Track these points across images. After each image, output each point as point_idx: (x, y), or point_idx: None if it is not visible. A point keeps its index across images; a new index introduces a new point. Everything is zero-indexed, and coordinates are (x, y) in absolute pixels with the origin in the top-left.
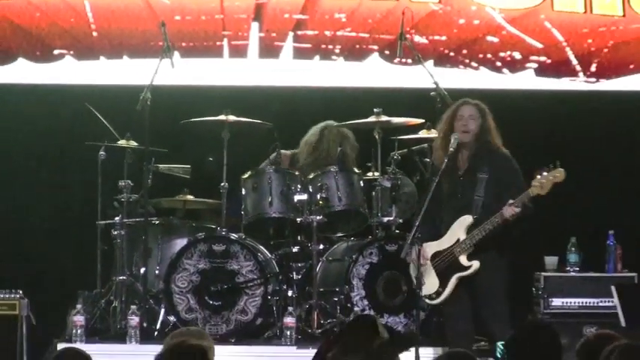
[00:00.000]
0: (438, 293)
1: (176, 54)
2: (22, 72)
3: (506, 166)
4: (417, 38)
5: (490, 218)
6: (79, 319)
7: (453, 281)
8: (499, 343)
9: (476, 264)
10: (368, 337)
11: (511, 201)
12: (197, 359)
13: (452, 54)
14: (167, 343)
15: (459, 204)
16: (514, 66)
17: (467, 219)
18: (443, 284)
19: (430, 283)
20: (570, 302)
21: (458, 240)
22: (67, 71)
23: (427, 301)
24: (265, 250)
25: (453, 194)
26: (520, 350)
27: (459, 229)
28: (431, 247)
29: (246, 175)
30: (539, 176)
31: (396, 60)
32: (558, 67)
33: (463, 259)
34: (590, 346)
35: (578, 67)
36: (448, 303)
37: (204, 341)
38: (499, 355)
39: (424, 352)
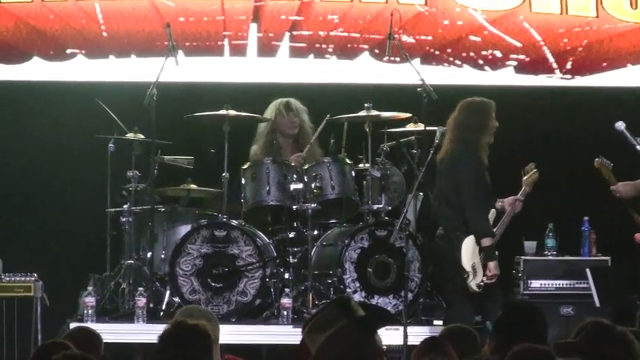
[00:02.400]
0: (482, 282)
1: (180, 53)
2: (37, 70)
3: None
4: (405, 38)
5: (506, 214)
6: (89, 300)
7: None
8: (487, 322)
9: (488, 280)
10: (338, 315)
11: (519, 197)
12: (199, 339)
13: (437, 52)
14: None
15: (489, 197)
16: (495, 64)
17: (493, 212)
18: (484, 274)
19: (479, 273)
20: (548, 284)
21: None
22: (79, 69)
23: (477, 290)
24: (264, 236)
25: (489, 187)
26: (508, 329)
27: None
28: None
29: (245, 166)
30: (526, 175)
31: (385, 58)
32: (536, 65)
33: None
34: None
35: (554, 65)
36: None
37: (203, 320)
38: (489, 332)
39: (412, 331)
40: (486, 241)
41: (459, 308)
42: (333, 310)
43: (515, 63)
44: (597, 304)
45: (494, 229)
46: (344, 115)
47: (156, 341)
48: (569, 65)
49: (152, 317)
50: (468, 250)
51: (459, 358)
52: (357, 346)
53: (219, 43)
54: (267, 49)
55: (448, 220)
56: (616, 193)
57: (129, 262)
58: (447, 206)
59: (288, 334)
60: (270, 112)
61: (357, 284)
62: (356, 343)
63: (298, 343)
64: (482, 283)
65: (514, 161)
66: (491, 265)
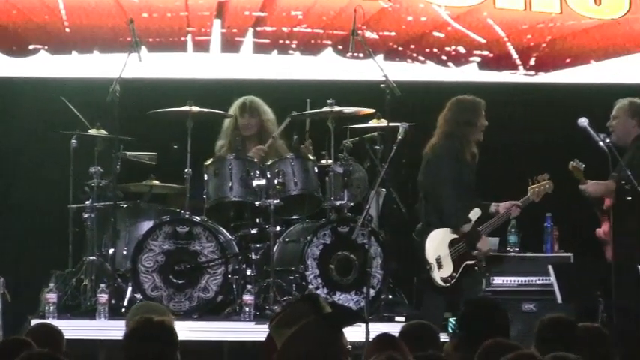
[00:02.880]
0: (452, 277)
1: (143, 49)
2: (0, 66)
3: None
4: (368, 34)
5: (498, 216)
6: (51, 296)
7: (462, 268)
8: (451, 318)
9: (479, 254)
10: (305, 311)
11: (519, 202)
12: (166, 335)
13: (400, 49)
14: (132, 319)
15: (471, 195)
16: (458, 60)
17: (477, 212)
18: (455, 270)
19: (447, 267)
20: (510, 280)
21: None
22: (42, 65)
23: (442, 283)
24: (226, 232)
25: (471, 185)
26: (471, 325)
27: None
28: (451, 233)
29: (208, 162)
30: (534, 185)
31: (349, 54)
32: (500, 61)
33: (471, 250)
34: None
35: (518, 61)
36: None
37: (167, 317)
38: (451, 330)
39: (374, 328)
40: (465, 228)
41: (427, 303)
42: (300, 306)
43: (478, 59)
44: (559, 300)
45: (479, 228)
46: (307, 112)
47: (119, 338)
48: (532, 61)
49: (114, 313)
50: (434, 243)
51: (420, 353)
52: (323, 343)
53: (183, 39)
54: (230, 45)
55: (424, 215)
56: (584, 192)
57: (91, 258)
58: (424, 201)
59: (250, 331)
60: (232, 110)
61: (319, 280)
62: (322, 340)
63: (261, 339)
64: (449, 279)
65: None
66: (480, 244)
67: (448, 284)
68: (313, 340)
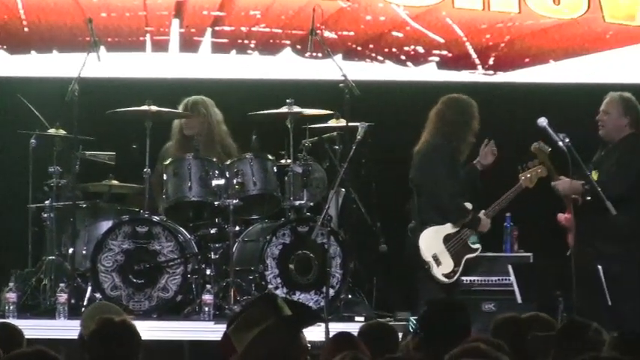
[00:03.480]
0: (454, 272)
1: (102, 48)
2: None
3: None
4: (327, 34)
5: (504, 196)
6: (11, 296)
7: (463, 262)
8: (412, 318)
9: (479, 246)
10: (265, 313)
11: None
12: (129, 336)
13: (359, 48)
14: (88, 319)
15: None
16: (417, 59)
17: (469, 205)
18: (457, 264)
19: (446, 263)
20: (470, 280)
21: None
22: (1, 64)
23: (444, 279)
24: (185, 232)
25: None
26: (432, 325)
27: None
28: (443, 230)
29: (167, 162)
30: (525, 171)
31: (307, 54)
32: (458, 61)
33: (470, 242)
34: None
35: (477, 61)
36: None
37: (125, 316)
38: (411, 330)
39: (333, 327)
40: (466, 220)
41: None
42: (259, 308)
43: (437, 59)
44: (519, 300)
45: (485, 211)
46: (266, 111)
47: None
48: (491, 61)
49: (74, 313)
50: (427, 241)
51: (378, 353)
52: (284, 345)
53: (142, 38)
54: (189, 44)
55: (418, 213)
56: (555, 188)
57: (50, 257)
58: (418, 198)
59: (210, 330)
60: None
61: (279, 280)
62: (283, 342)
63: (220, 338)
64: (452, 274)
65: None
66: (481, 227)
67: (451, 280)
68: (275, 342)
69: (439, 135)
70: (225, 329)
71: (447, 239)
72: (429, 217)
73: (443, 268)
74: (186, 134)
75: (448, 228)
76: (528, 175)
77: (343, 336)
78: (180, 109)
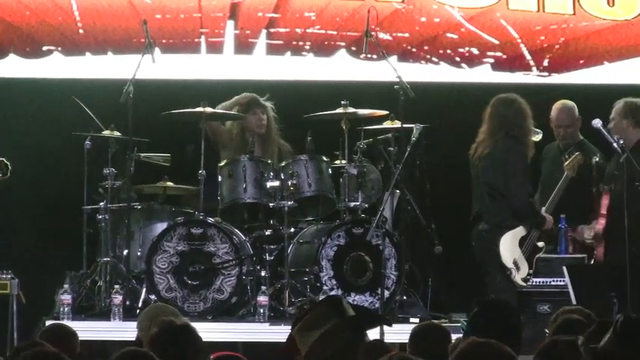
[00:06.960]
0: (529, 275)
1: (157, 50)
2: (14, 67)
3: None
4: (382, 35)
5: (555, 192)
6: (66, 297)
7: (534, 264)
8: (462, 319)
9: (543, 243)
10: (329, 314)
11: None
12: (190, 338)
13: (414, 50)
14: (144, 321)
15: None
16: (472, 61)
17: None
18: (530, 267)
19: (523, 268)
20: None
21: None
22: (56, 66)
23: (523, 284)
24: (240, 234)
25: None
26: (483, 327)
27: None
28: (519, 233)
29: (222, 163)
30: (566, 162)
31: (362, 55)
32: (513, 62)
33: (537, 242)
34: None
35: (531, 62)
36: None
37: (186, 320)
38: (462, 330)
39: (387, 329)
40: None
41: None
42: (324, 309)
43: (492, 60)
44: (574, 301)
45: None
46: (321, 113)
47: (132, 339)
48: (546, 62)
49: (128, 315)
50: (507, 247)
51: (430, 355)
52: (348, 346)
53: (196, 40)
54: (243, 46)
55: (492, 216)
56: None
57: (105, 259)
58: (491, 201)
59: (265, 332)
60: (234, 107)
61: (334, 282)
62: (347, 343)
63: (275, 340)
64: (528, 277)
65: None
66: (546, 226)
67: (527, 283)
68: (339, 343)
69: (505, 137)
70: (280, 330)
71: (521, 243)
72: (503, 220)
73: (521, 273)
74: (258, 132)
75: (521, 231)
76: (570, 165)
77: (376, 344)
78: (240, 104)
